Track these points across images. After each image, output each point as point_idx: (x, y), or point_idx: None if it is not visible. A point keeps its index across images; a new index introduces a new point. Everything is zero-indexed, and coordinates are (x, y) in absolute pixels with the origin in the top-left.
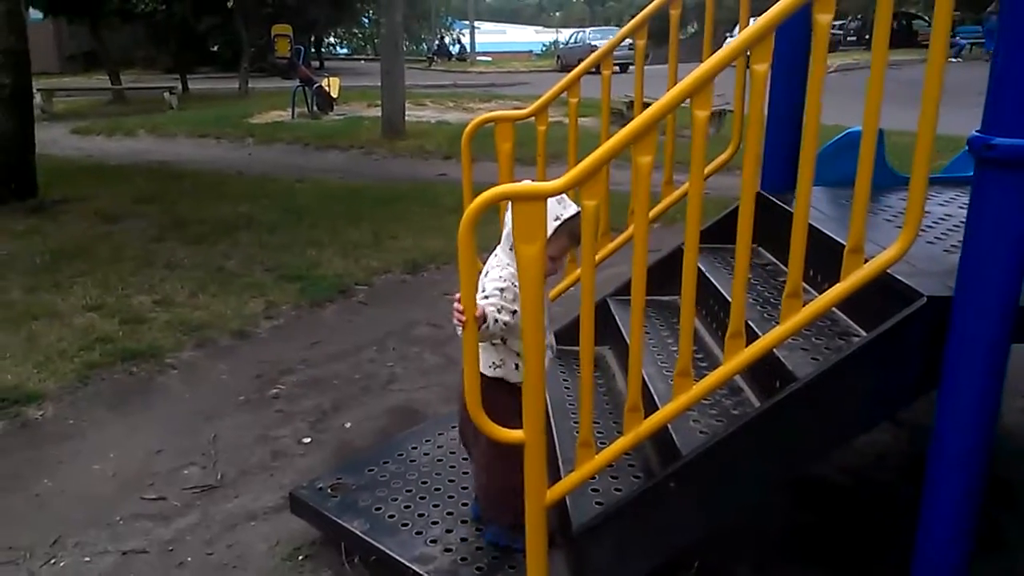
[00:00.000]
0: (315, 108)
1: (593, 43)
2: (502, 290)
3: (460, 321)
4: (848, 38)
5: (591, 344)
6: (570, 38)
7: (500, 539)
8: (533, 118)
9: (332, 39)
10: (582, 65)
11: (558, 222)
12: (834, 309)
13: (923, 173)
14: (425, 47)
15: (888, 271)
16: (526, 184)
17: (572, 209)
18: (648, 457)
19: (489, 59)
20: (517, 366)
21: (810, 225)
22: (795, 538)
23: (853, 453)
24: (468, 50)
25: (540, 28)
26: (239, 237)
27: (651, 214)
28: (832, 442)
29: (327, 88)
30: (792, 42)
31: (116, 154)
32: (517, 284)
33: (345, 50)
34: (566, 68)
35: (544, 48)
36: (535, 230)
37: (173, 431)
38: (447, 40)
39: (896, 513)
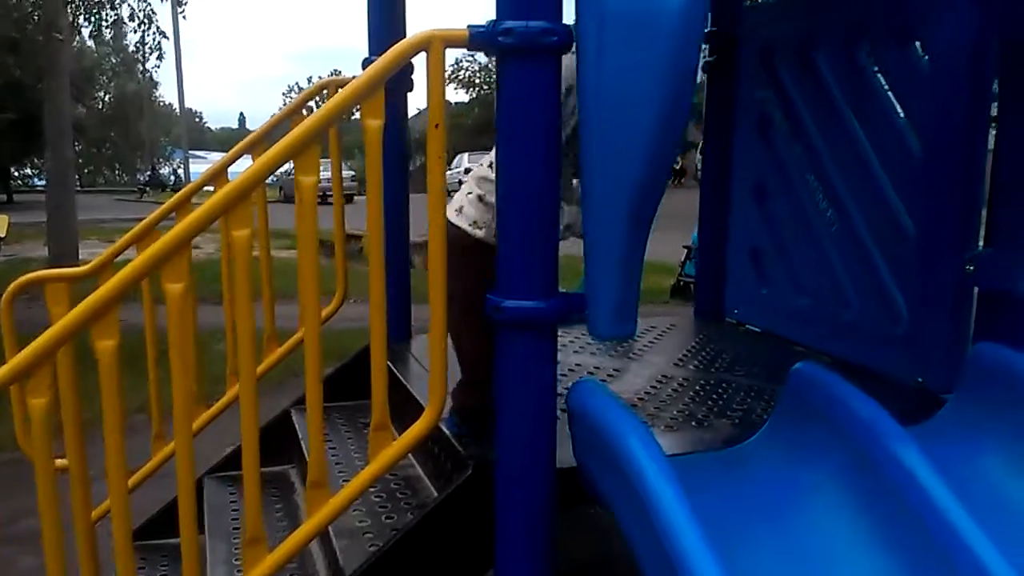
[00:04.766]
0: None
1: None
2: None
3: None
4: None
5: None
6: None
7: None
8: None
9: (29, 170)
10: (162, 208)
11: None
12: (422, 477)
13: (440, 351)
14: (140, 178)
15: (451, 438)
16: None
17: None
18: None
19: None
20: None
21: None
22: None
23: None
24: (184, 180)
25: None
26: None
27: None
28: None
29: None
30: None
31: None
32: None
33: (44, 182)
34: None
35: (275, 180)
36: None
37: None
38: (165, 170)
39: None
